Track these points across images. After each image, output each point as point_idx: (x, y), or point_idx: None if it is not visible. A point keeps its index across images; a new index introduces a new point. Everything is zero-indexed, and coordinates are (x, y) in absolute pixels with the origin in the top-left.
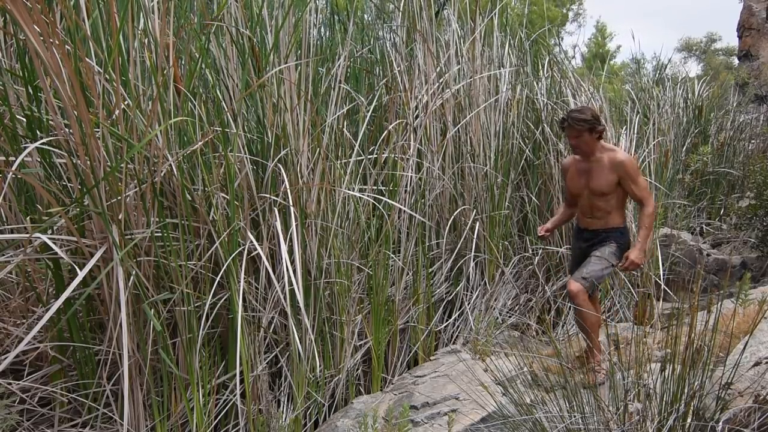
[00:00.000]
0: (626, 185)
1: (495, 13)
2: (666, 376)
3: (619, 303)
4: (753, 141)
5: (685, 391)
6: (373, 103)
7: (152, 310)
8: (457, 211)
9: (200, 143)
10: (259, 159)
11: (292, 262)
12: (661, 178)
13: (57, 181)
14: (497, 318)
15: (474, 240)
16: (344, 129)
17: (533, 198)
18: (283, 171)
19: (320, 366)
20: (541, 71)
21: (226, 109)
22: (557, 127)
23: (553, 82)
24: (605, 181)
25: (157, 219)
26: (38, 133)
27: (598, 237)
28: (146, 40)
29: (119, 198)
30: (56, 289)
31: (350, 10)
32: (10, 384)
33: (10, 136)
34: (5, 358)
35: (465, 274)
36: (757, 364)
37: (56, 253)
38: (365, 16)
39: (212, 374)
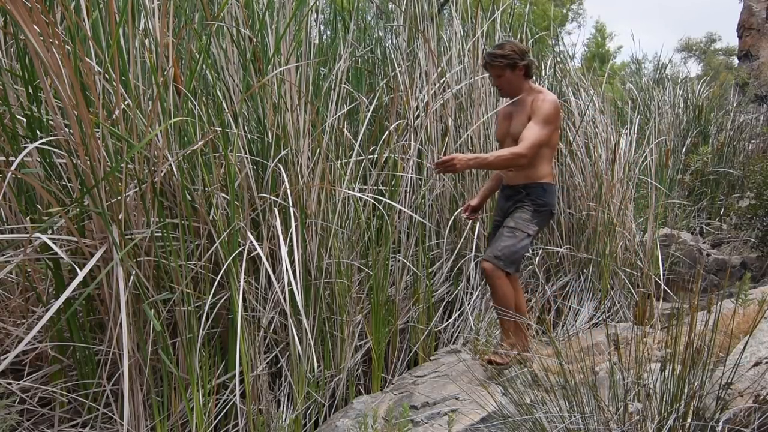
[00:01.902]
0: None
1: (498, 14)
2: (666, 376)
3: (619, 303)
4: (753, 141)
5: (685, 391)
6: (374, 103)
7: (152, 310)
8: (458, 211)
9: (200, 143)
10: (259, 159)
11: (292, 262)
12: (661, 178)
13: (57, 181)
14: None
15: (474, 240)
16: (345, 129)
17: None
18: (283, 171)
19: (320, 366)
20: (543, 70)
21: (227, 110)
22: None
23: (555, 81)
24: (522, 125)
25: (157, 219)
26: (38, 133)
27: (518, 195)
28: (146, 40)
29: (119, 198)
30: (56, 289)
31: (352, 10)
32: (10, 384)
33: (10, 136)
34: (5, 358)
35: (465, 274)
36: (757, 364)
37: (56, 253)
38: (366, 16)
39: (212, 374)
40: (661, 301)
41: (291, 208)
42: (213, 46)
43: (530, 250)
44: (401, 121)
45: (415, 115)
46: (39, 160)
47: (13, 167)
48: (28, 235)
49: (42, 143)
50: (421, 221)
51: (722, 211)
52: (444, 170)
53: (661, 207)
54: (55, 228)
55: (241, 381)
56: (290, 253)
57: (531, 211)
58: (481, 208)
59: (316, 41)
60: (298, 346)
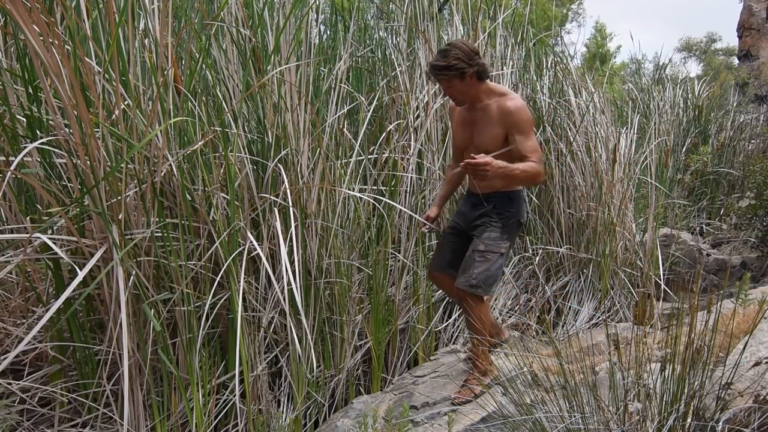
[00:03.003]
0: (513, 139)
1: (500, 15)
2: (666, 376)
3: (619, 303)
4: (753, 141)
5: (685, 391)
6: (374, 103)
7: (152, 310)
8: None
9: (200, 143)
10: (259, 159)
11: (292, 262)
12: (661, 178)
13: (57, 181)
14: (497, 318)
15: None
16: (345, 129)
17: (533, 198)
18: (283, 171)
19: (320, 366)
20: (544, 70)
21: (227, 110)
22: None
23: (556, 80)
24: (490, 136)
25: (157, 219)
26: (38, 133)
27: (483, 206)
28: (146, 41)
29: (119, 198)
30: (56, 289)
31: (352, 10)
32: (10, 384)
33: (10, 136)
34: (5, 358)
35: None
36: (757, 364)
37: (56, 253)
38: (367, 16)
39: (212, 374)
40: (661, 301)
41: (291, 208)
42: (213, 46)
43: (530, 250)
44: (401, 121)
45: (415, 115)
46: (39, 160)
47: (12, 167)
48: (28, 235)
49: (42, 143)
50: (421, 221)
51: (722, 211)
52: (474, 173)
53: (661, 207)
54: (55, 228)
55: (241, 381)
56: (290, 253)
57: (499, 228)
58: (440, 215)
59: (316, 41)
60: (298, 346)
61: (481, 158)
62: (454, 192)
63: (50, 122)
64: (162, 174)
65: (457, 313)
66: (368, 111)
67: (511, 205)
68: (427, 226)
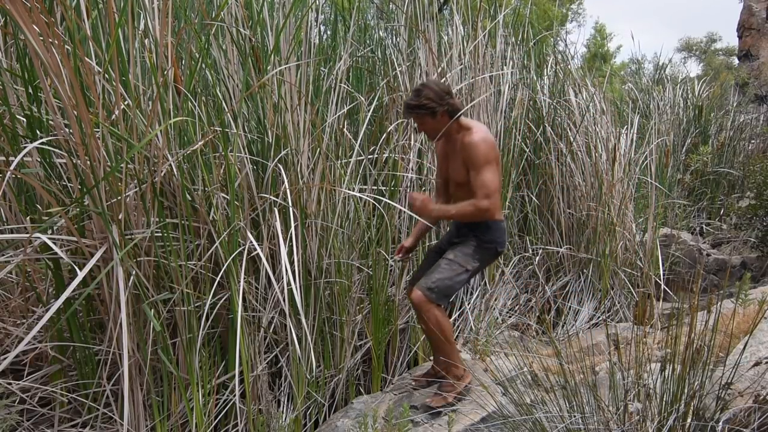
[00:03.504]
0: (470, 172)
1: (501, 15)
2: (666, 376)
3: (619, 303)
4: (753, 141)
5: (685, 391)
6: (374, 103)
7: (152, 310)
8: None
9: (200, 143)
10: (259, 159)
11: (292, 262)
12: (661, 178)
13: (57, 181)
14: (497, 318)
15: None
16: (345, 129)
17: (533, 198)
18: (283, 171)
19: (320, 366)
20: (545, 70)
21: (227, 110)
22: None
23: (556, 80)
24: (457, 170)
25: (157, 219)
26: (38, 133)
27: (460, 231)
28: (146, 41)
29: (119, 198)
30: (56, 289)
31: (352, 10)
32: (10, 384)
33: (10, 136)
34: (5, 358)
35: None
36: (757, 364)
37: (56, 253)
38: (367, 15)
39: (212, 374)
40: (661, 301)
41: (291, 208)
42: (213, 46)
43: (530, 250)
44: (401, 120)
45: None
46: (39, 160)
47: (12, 167)
48: (28, 235)
49: (42, 143)
50: (421, 221)
51: (722, 211)
52: (411, 208)
53: (661, 207)
54: (55, 228)
55: (241, 381)
56: (290, 253)
57: (474, 246)
58: (415, 248)
59: (317, 41)
60: (297, 346)
61: (419, 201)
62: (429, 229)
63: (50, 122)
64: (162, 174)
65: (457, 314)
66: (368, 111)
67: (489, 233)
68: (400, 256)
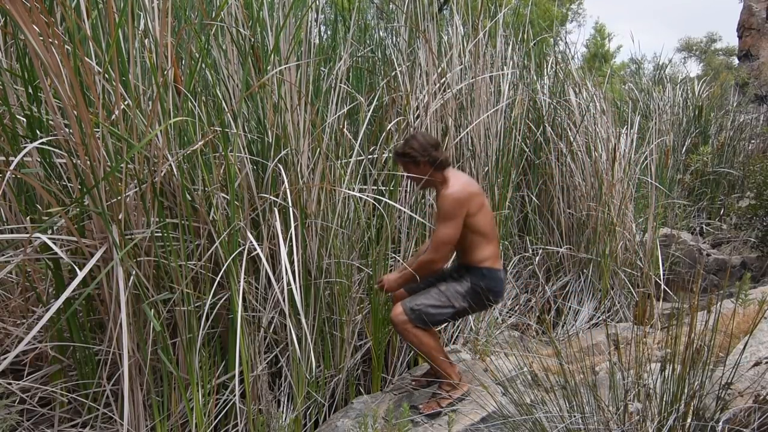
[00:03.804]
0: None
1: (501, 14)
2: (666, 376)
3: (619, 303)
4: (753, 141)
5: (685, 391)
6: (374, 103)
7: (152, 310)
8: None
9: (200, 143)
10: (259, 159)
11: (292, 262)
12: (662, 178)
13: (57, 181)
14: (497, 318)
15: None
16: (345, 129)
17: (533, 198)
18: (283, 171)
19: (320, 366)
20: (545, 70)
21: (227, 110)
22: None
23: (556, 80)
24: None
25: (157, 219)
26: (38, 133)
27: (459, 270)
28: (146, 41)
29: (119, 198)
30: (56, 289)
31: (352, 10)
32: (10, 384)
33: (10, 136)
34: (5, 358)
35: None
36: (757, 364)
37: (56, 253)
38: (367, 15)
39: (212, 374)
40: (661, 301)
41: (291, 208)
42: (213, 46)
43: (530, 250)
44: (401, 118)
45: (415, 115)
46: (39, 160)
47: (12, 167)
48: (28, 235)
49: (42, 143)
50: (421, 222)
51: (722, 211)
52: (380, 290)
53: (661, 207)
54: (55, 228)
55: (241, 381)
56: (290, 253)
57: (467, 288)
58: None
59: (317, 41)
60: (297, 346)
61: (379, 280)
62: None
63: (50, 122)
64: (162, 174)
65: None
66: (368, 111)
67: (482, 280)
68: (379, 286)
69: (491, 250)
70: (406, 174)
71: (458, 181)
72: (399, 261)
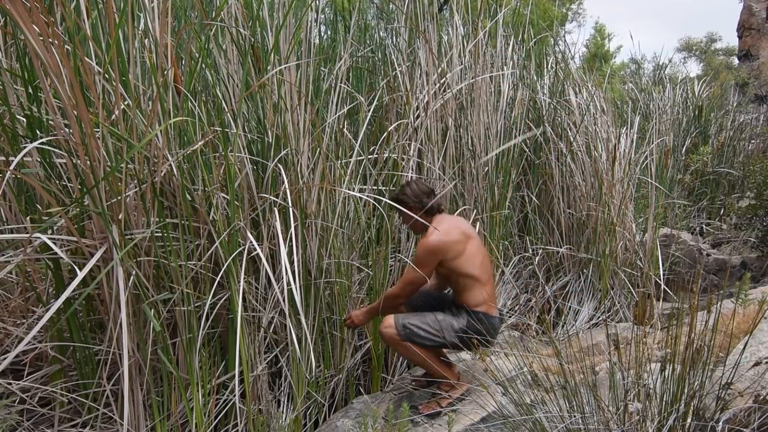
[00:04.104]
0: None
1: (501, 14)
2: (666, 376)
3: (619, 303)
4: (753, 141)
5: (685, 391)
6: (374, 103)
7: (152, 310)
8: (458, 211)
9: (200, 143)
10: (259, 159)
11: (292, 262)
12: (662, 178)
13: (57, 181)
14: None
15: None
16: (345, 129)
17: (533, 198)
18: (283, 171)
19: (320, 366)
20: (545, 70)
21: (227, 110)
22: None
23: (556, 80)
24: None
25: (157, 219)
26: (38, 133)
27: (456, 303)
28: (146, 41)
29: (119, 198)
30: (56, 289)
31: (352, 10)
32: (10, 384)
33: (10, 136)
34: (5, 358)
35: None
36: (757, 364)
37: (56, 253)
38: (367, 15)
39: (212, 374)
40: (661, 301)
41: (291, 208)
42: (213, 46)
43: (530, 250)
44: (402, 121)
45: (416, 115)
46: (39, 160)
47: (12, 167)
48: (28, 235)
49: (42, 143)
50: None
51: (722, 211)
52: (349, 327)
53: (661, 207)
54: (55, 228)
55: (241, 381)
56: (290, 253)
57: (462, 326)
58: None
59: (317, 41)
60: (296, 347)
61: (347, 317)
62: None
63: (50, 122)
64: (162, 174)
65: None
66: (368, 111)
67: (481, 323)
68: (347, 324)
69: (485, 294)
70: (400, 215)
71: (441, 228)
72: (399, 260)
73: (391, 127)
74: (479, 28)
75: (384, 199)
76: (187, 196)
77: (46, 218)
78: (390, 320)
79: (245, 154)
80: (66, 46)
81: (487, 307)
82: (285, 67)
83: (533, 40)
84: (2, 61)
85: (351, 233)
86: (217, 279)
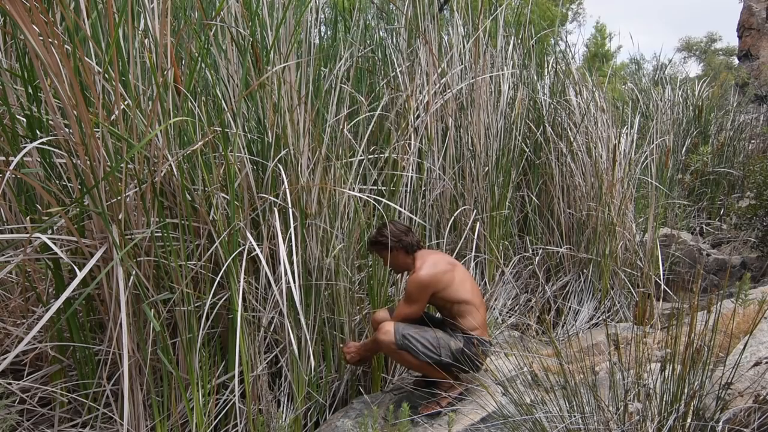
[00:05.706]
0: None
1: (500, 13)
2: (666, 376)
3: (619, 303)
4: (753, 141)
5: (685, 391)
6: (374, 104)
7: (152, 310)
8: (458, 211)
9: (200, 143)
10: (259, 159)
11: (292, 262)
12: (662, 178)
13: (57, 181)
14: (497, 318)
15: (474, 240)
16: (344, 129)
17: (533, 198)
18: (283, 171)
19: (320, 366)
20: (545, 70)
21: (227, 110)
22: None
23: (557, 80)
24: None
25: (157, 219)
26: (38, 133)
27: (455, 330)
28: (146, 40)
29: (119, 198)
30: (56, 289)
31: (352, 10)
32: (10, 384)
33: (10, 136)
34: (5, 358)
35: None
36: (757, 364)
37: (56, 253)
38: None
39: (212, 374)
40: (661, 301)
41: (290, 209)
42: (213, 46)
43: (530, 250)
44: (401, 120)
45: (416, 115)
46: (39, 160)
47: (12, 167)
48: (28, 235)
49: (42, 143)
50: (421, 222)
51: (722, 211)
52: (347, 359)
53: (661, 207)
54: (55, 228)
55: (241, 381)
56: (290, 253)
57: (458, 347)
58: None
59: (317, 41)
60: (295, 348)
61: (346, 349)
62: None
63: (50, 122)
64: (162, 174)
65: None
66: (368, 111)
67: (472, 348)
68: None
69: (479, 319)
70: (380, 257)
71: (426, 263)
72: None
73: (391, 128)
74: (479, 27)
75: (384, 200)
76: (187, 196)
77: (46, 218)
78: (389, 327)
79: (245, 154)
80: (66, 46)
81: (481, 332)
82: (285, 67)
83: (533, 39)
84: (2, 61)
85: (351, 233)
86: (217, 279)
